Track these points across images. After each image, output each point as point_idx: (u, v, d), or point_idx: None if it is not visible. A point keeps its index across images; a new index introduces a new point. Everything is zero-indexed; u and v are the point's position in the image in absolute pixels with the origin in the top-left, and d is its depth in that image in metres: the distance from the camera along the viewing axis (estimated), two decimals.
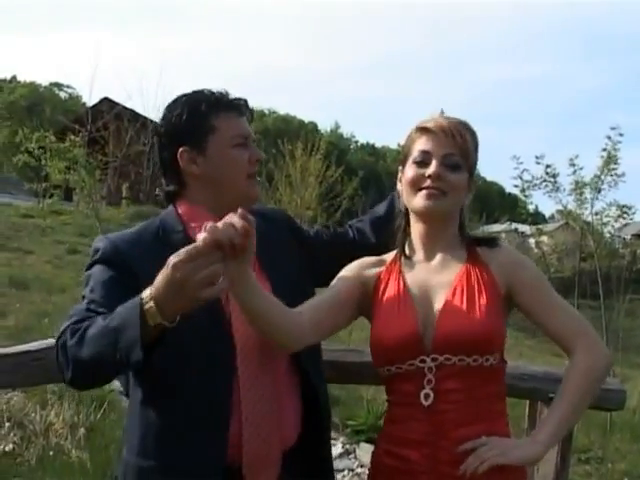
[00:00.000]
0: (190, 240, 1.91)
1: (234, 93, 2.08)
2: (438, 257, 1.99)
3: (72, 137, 11.73)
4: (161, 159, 2.08)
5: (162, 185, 2.10)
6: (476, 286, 1.92)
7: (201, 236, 1.53)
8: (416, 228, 2.02)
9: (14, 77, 57.67)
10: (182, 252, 1.52)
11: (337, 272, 2.04)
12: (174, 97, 2.07)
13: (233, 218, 1.58)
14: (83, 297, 1.90)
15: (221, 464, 1.85)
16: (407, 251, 2.03)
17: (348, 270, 2.04)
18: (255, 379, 1.92)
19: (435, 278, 1.96)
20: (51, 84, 50.81)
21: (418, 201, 1.94)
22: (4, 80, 56.98)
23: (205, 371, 1.86)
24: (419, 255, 2.01)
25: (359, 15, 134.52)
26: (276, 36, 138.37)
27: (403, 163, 2.01)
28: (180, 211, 2.04)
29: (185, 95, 2.05)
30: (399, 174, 2.04)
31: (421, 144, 1.96)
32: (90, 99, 23.81)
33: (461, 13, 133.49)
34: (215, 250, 1.53)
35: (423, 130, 1.96)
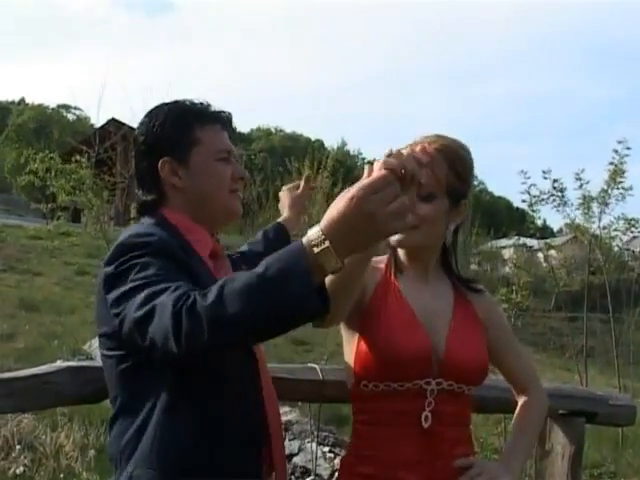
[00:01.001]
0: (198, 255, 1.85)
1: (218, 106, 2.01)
2: (431, 282, 2.01)
3: (78, 158, 11.72)
4: (139, 169, 1.96)
5: (137, 196, 1.98)
6: (470, 318, 2.01)
7: (382, 163, 1.36)
8: (403, 255, 2.03)
9: (22, 99, 58.02)
10: (366, 183, 1.34)
11: None
12: (155, 105, 1.98)
13: (415, 151, 1.43)
14: (137, 287, 1.61)
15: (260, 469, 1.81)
16: (401, 268, 2.02)
17: None
18: (271, 393, 1.90)
19: (434, 303, 1.98)
20: (59, 106, 50.96)
21: (392, 238, 1.92)
22: (12, 102, 57.29)
23: (238, 383, 1.76)
24: (412, 275, 2.01)
25: (362, 31, 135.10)
26: (282, 54, 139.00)
27: None
28: (169, 218, 1.90)
29: (167, 104, 1.97)
30: None
31: None
32: (98, 120, 23.94)
33: (465, 28, 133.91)
34: (397, 180, 1.34)
35: None
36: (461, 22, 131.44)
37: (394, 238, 1.92)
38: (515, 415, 2.15)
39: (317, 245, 1.36)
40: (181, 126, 1.91)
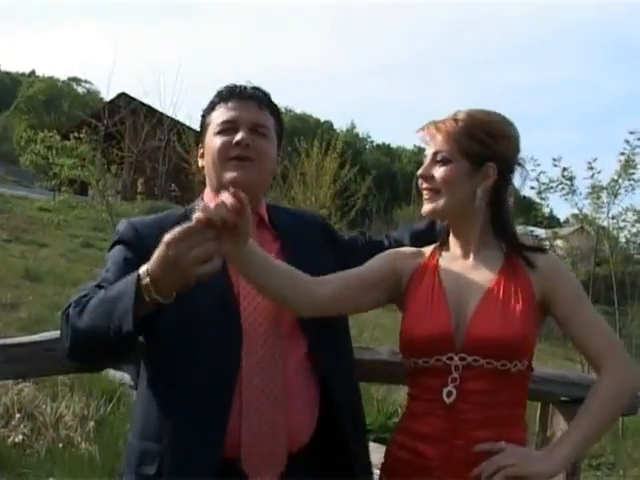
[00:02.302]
0: None
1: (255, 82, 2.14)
2: (473, 255, 1.99)
3: (77, 134, 11.75)
4: None
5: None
6: (512, 290, 1.91)
7: (195, 215, 1.57)
8: (449, 227, 2.05)
9: (33, 71, 58.03)
10: (176, 230, 1.56)
11: None
12: None
13: (224, 196, 1.61)
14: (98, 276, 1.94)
15: (215, 457, 1.82)
16: (447, 245, 2.05)
17: (387, 255, 2.06)
18: (263, 369, 1.89)
19: (471, 276, 1.96)
20: (69, 79, 51.00)
21: (423, 206, 2.00)
22: (23, 74, 57.32)
23: (211, 358, 1.85)
24: (456, 251, 2.02)
25: (376, 15, 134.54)
26: (294, 34, 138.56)
27: None
28: (205, 198, 2.11)
29: None
30: None
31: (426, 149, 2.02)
32: (107, 94, 23.90)
33: (479, 14, 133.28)
34: (208, 228, 1.56)
35: (420, 137, 2.02)
36: (478, 12, 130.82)
37: (423, 210, 1.98)
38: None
39: (142, 279, 1.63)
40: (204, 115, 2.11)
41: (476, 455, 1.81)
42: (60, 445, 4.66)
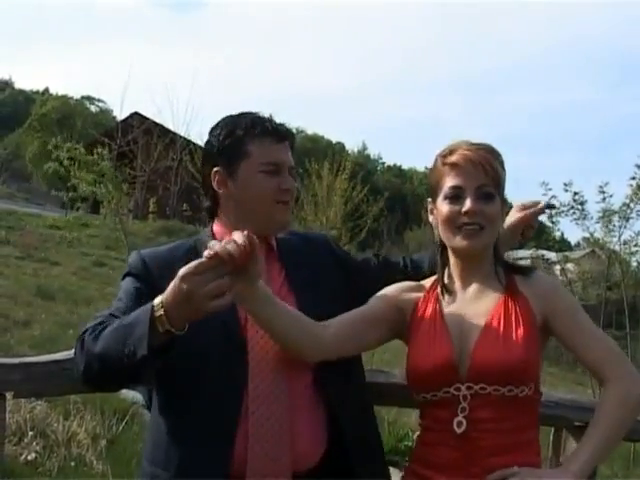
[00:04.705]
0: None
1: (277, 117, 2.11)
2: (474, 286, 1.99)
3: (100, 150, 11.77)
4: (202, 177, 2.15)
5: (203, 202, 2.18)
6: (513, 316, 1.91)
7: (206, 252, 1.63)
8: (454, 261, 2.02)
9: (46, 89, 58.31)
10: (190, 265, 1.62)
11: None
12: (224, 116, 2.12)
13: (236, 235, 1.67)
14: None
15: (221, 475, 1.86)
16: (446, 279, 2.02)
17: (387, 292, 2.06)
18: (267, 396, 1.93)
19: (471, 307, 1.96)
20: (82, 97, 51.15)
21: (458, 241, 1.93)
22: (36, 92, 57.64)
23: (217, 386, 1.90)
24: (457, 284, 2.01)
25: (386, 36, 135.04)
26: (306, 56, 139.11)
27: (433, 197, 2.00)
28: (215, 231, 2.10)
29: (229, 117, 2.10)
30: (429, 206, 2.02)
31: (451, 179, 1.94)
32: (121, 113, 24.03)
33: (491, 35, 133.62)
34: (218, 264, 1.62)
35: (451, 165, 1.94)
36: (490, 33, 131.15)
37: (462, 244, 1.93)
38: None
39: (156, 311, 1.68)
40: (233, 139, 2.04)
41: None
42: (72, 464, 4.68)
